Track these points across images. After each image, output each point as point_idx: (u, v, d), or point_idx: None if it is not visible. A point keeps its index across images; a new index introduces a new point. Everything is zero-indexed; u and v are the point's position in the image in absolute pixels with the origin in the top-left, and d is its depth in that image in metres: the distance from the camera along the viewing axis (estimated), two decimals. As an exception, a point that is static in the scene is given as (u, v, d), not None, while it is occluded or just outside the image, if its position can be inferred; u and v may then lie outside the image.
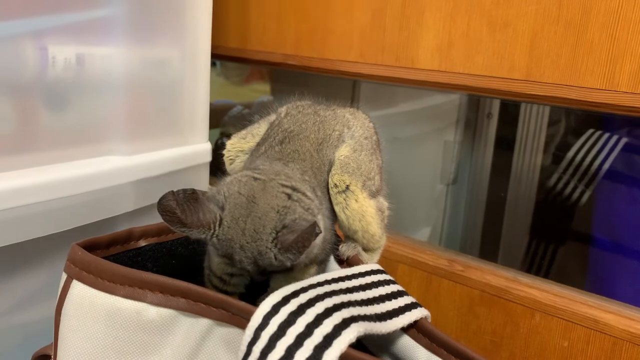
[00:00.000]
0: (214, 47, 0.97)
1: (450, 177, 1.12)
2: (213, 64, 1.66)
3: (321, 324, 0.41)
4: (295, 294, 0.44)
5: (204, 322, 0.45)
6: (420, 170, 1.15)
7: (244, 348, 0.40)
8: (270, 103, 0.66)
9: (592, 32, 0.70)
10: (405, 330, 0.49)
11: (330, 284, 0.47)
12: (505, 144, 1.08)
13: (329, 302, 0.43)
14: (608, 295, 0.75)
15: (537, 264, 1.01)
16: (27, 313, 0.66)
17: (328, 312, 0.42)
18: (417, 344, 0.49)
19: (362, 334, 0.41)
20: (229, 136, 1.48)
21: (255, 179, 0.47)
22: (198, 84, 0.82)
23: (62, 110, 0.68)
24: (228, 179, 0.49)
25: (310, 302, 0.43)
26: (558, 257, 1.00)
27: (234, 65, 1.64)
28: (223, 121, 1.45)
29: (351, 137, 0.58)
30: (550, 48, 0.73)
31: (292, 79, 1.22)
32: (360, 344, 0.51)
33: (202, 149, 0.82)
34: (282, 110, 0.62)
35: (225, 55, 1.08)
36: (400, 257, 0.89)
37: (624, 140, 0.89)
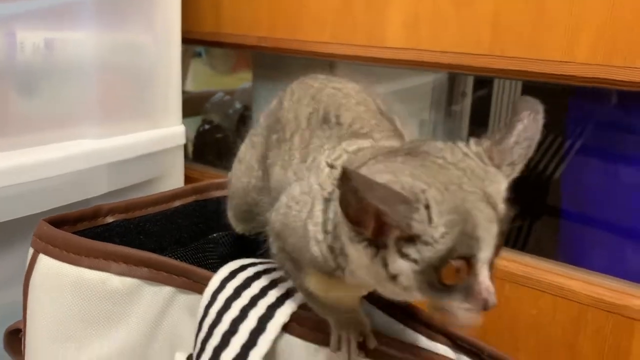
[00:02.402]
0: (188, 32, 0.98)
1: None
2: (199, 55, 1.67)
3: (275, 286, 0.43)
4: (253, 264, 0.46)
5: (167, 290, 0.47)
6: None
7: (201, 310, 0.42)
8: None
9: (551, 6, 0.71)
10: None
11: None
12: (479, 121, 1.10)
13: (279, 272, 0.45)
14: (578, 265, 0.77)
15: (512, 238, 1.04)
16: (1, 295, 0.67)
17: (282, 278, 0.44)
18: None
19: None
20: (210, 122, 1.49)
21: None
22: (170, 68, 0.83)
23: (33, 94, 0.69)
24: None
25: (265, 270, 0.45)
26: (532, 231, 1.02)
27: (219, 55, 1.65)
28: (205, 108, 1.46)
29: None
30: (512, 23, 0.74)
31: (272, 64, 1.23)
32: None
33: (175, 131, 0.84)
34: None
35: (200, 40, 1.09)
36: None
37: (592, 114, 0.91)
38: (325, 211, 0.37)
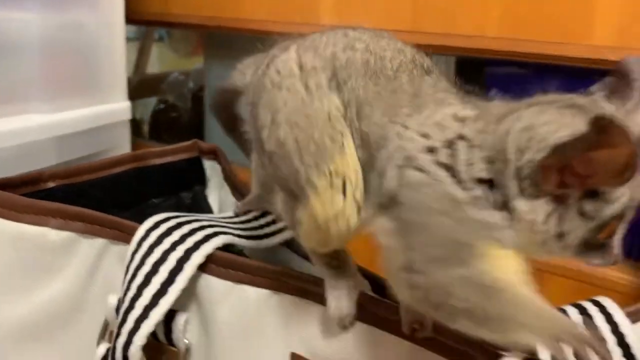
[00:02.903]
0: (135, 12, 1.02)
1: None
2: (161, 39, 1.70)
3: (194, 234, 0.48)
4: (177, 216, 0.51)
5: (100, 242, 0.52)
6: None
7: (128, 256, 0.48)
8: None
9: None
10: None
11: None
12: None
13: (200, 223, 0.50)
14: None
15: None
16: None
17: (202, 227, 0.50)
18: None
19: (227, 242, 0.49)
20: (166, 102, 1.52)
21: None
22: (114, 47, 0.87)
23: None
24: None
25: (188, 222, 0.50)
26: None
27: (180, 38, 1.68)
28: (161, 88, 1.50)
29: None
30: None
31: (222, 43, 1.27)
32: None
33: (121, 107, 0.88)
34: None
35: (148, 20, 1.13)
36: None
37: (509, 83, 0.98)
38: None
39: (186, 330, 0.48)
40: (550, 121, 0.32)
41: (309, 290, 0.46)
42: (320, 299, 0.44)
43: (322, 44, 0.41)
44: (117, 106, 0.88)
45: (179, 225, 0.49)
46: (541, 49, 0.75)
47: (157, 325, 0.46)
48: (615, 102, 0.35)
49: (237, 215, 0.60)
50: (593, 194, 0.31)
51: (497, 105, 0.37)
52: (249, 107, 0.43)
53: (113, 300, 0.49)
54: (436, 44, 0.81)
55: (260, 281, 0.47)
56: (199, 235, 0.48)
